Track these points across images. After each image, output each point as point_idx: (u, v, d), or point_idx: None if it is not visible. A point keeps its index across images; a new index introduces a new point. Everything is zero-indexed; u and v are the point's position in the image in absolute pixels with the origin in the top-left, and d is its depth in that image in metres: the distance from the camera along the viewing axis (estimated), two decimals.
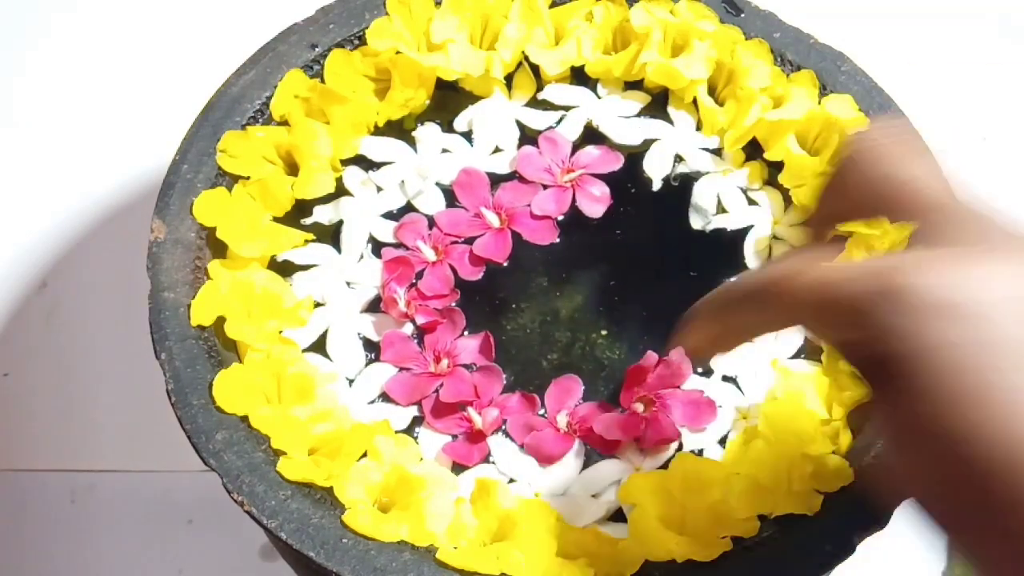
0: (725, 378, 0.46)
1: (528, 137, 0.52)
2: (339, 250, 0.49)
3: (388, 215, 0.50)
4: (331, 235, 0.49)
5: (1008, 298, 0.27)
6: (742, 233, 0.50)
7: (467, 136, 0.52)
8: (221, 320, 0.45)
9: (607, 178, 0.51)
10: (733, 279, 0.36)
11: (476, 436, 0.44)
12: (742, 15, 0.54)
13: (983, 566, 0.28)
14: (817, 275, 0.31)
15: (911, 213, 0.32)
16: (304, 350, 0.46)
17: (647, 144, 0.52)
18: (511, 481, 0.44)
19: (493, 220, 0.49)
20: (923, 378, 0.27)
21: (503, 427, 0.45)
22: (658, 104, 0.53)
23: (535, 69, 0.54)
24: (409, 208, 0.50)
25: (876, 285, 0.29)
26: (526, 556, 0.40)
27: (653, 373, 0.45)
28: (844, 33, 0.56)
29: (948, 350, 0.27)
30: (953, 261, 0.28)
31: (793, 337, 0.47)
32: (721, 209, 0.51)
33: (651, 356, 0.45)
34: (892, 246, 0.47)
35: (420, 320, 0.46)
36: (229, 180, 0.49)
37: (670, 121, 0.53)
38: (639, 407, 0.44)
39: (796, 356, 0.47)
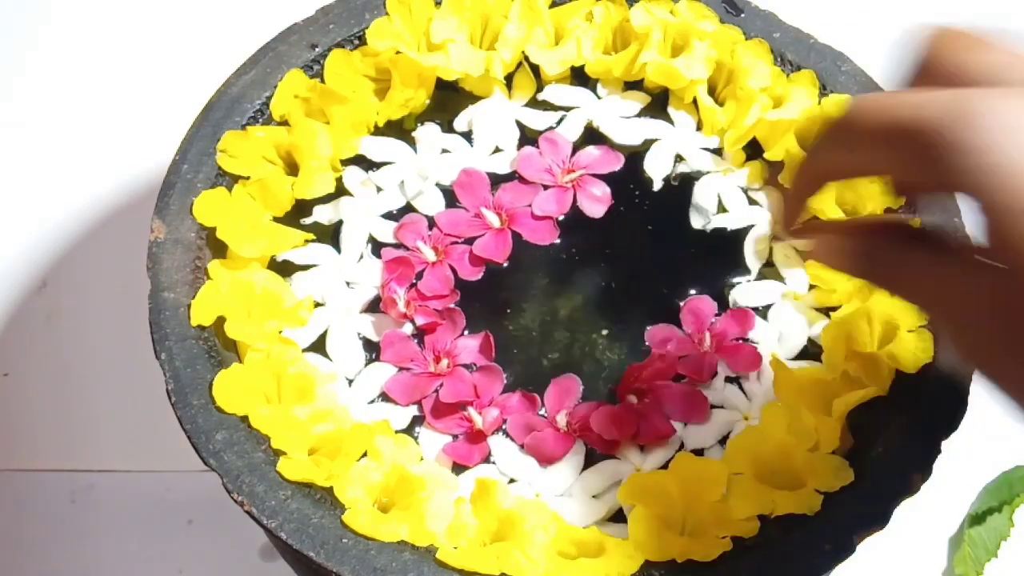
0: (727, 379, 0.46)
1: (528, 137, 0.52)
2: (339, 250, 0.49)
3: (388, 215, 0.50)
4: (331, 235, 0.49)
5: None
6: (742, 232, 0.50)
7: (467, 136, 0.52)
8: (221, 320, 0.45)
9: (607, 178, 0.51)
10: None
11: (476, 436, 0.44)
12: (742, 15, 0.54)
13: None
14: (887, 99, 0.31)
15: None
16: (304, 350, 0.46)
17: (647, 144, 0.52)
18: (511, 481, 0.44)
19: (493, 220, 0.49)
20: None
21: (503, 427, 0.45)
22: (658, 104, 0.53)
23: (535, 69, 0.54)
24: (409, 208, 0.50)
25: (946, 105, 0.28)
26: (526, 556, 0.40)
27: (650, 367, 0.45)
28: (844, 33, 0.56)
29: None
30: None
31: (793, 337, 0.47)
32: (721, 209, 0.51)
33: (654, 355, 0.45)
34: None
35: (420, 321, 0.46)
36: (229, 180, 0.49)
37: (670, 121, 0.53)
38: (632, 398, 0.44)
39: (796, 356, 0.47)
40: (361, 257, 0.49)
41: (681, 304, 0.48)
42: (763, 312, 0.48)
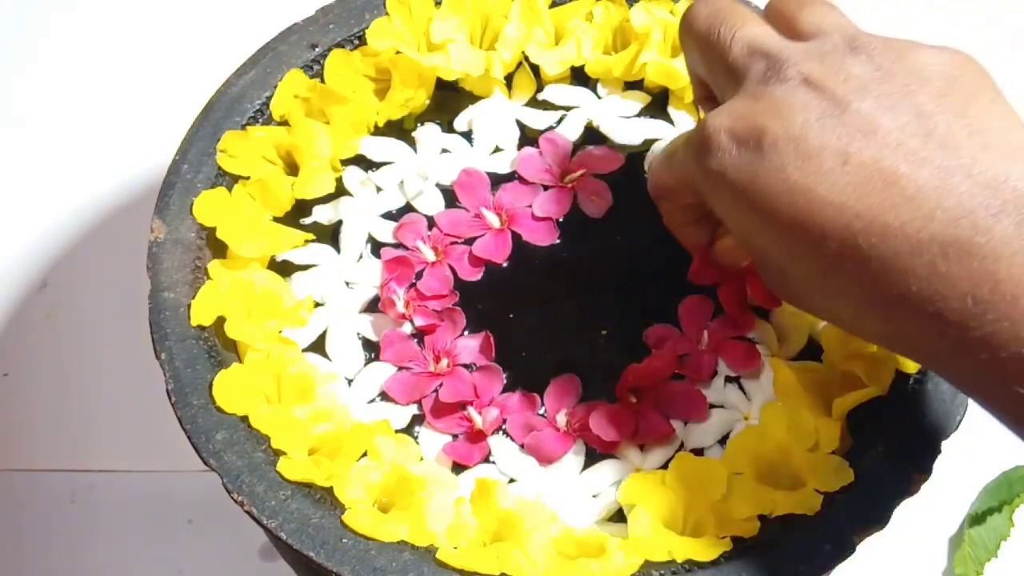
0: (728, 379, 0.46)
1: (528, 137, 0.52)
2: (338, 250, 0.49)
3: (388, 215, 0.50)
4: (330, 235, 0.49)
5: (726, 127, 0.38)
6: None
7: (467, 136, 0.52)
8: (221, 320, 0.45)
9: (608, 178, 0.51)
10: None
11: (476, 436, 0.44)
12: None
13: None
14: (662, 173, 0.45)
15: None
16: (304, 350, 0.46)
17: (647, 144, 0.52)
18: (511, 481, 0.44)
19: (493, 221, 0.49)
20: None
21: (503, 427, 0.45)
22: (658, 104, 0.53)
23: (535, 69, 0.54)
24: (409, 208, 0.50)
25: (688, 153, 0.41)
26: (526, 556, 0.40)
27: (649, 367, 0.45)
28: None
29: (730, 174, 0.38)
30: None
31: (793, 337, 0.47)
32: None
33: (654, 354, 0.45)
34: None
35: (419, 322, 0.46)
36: (229, 180, 0.49)
37: (670, 121, 0.53)
38: (632, 398, 0.44)
39: (796, 356, 0.47)
40: (361, 257, 0.49)
41: (679, 303, 0.48)
42: (763, 312, 0.48)
